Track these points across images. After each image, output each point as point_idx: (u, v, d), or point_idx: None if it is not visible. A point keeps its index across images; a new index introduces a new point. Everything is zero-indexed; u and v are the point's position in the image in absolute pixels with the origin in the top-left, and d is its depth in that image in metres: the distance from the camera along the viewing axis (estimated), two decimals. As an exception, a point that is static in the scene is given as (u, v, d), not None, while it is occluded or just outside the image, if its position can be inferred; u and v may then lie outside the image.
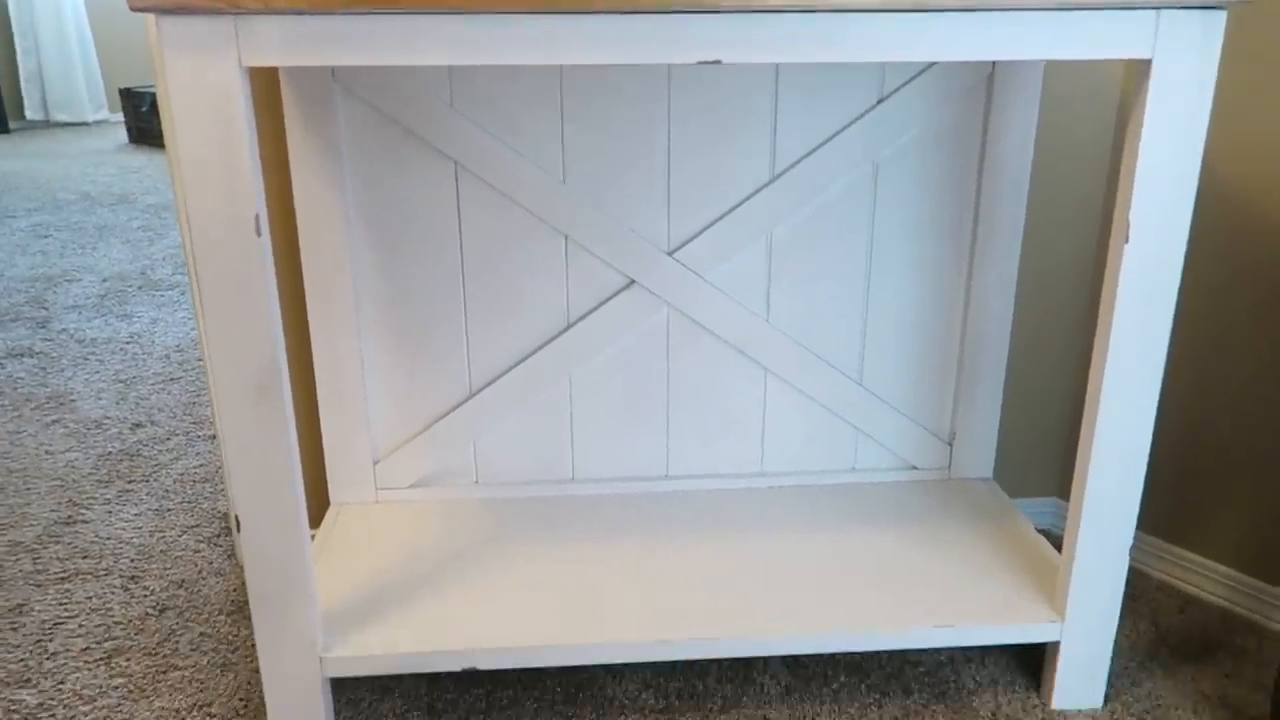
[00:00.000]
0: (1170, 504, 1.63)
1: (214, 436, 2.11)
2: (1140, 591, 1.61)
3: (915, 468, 1.69)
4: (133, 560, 1.66)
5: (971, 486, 1.66)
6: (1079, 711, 1.34)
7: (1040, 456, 1.77)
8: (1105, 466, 1.23)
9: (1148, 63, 1.07)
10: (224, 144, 1.01)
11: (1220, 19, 1.05)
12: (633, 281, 1.53)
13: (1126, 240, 1.14)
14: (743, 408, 1.62)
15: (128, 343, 2.66)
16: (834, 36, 1.03)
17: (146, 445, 2.07)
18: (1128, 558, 1.28)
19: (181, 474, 1.95)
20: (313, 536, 1.62)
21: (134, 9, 0.95)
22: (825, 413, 1.64)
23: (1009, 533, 1.52)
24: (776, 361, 1.59)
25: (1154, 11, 1.05)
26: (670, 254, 1.52)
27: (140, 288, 3.11)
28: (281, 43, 0.99)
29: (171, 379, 2.42)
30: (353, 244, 1.47)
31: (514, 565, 1.43)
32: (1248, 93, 1.41)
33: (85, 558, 1.66)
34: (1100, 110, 1.57)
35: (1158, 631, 1.52)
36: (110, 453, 2.04)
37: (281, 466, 1.13)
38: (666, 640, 1.27)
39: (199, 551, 1.68)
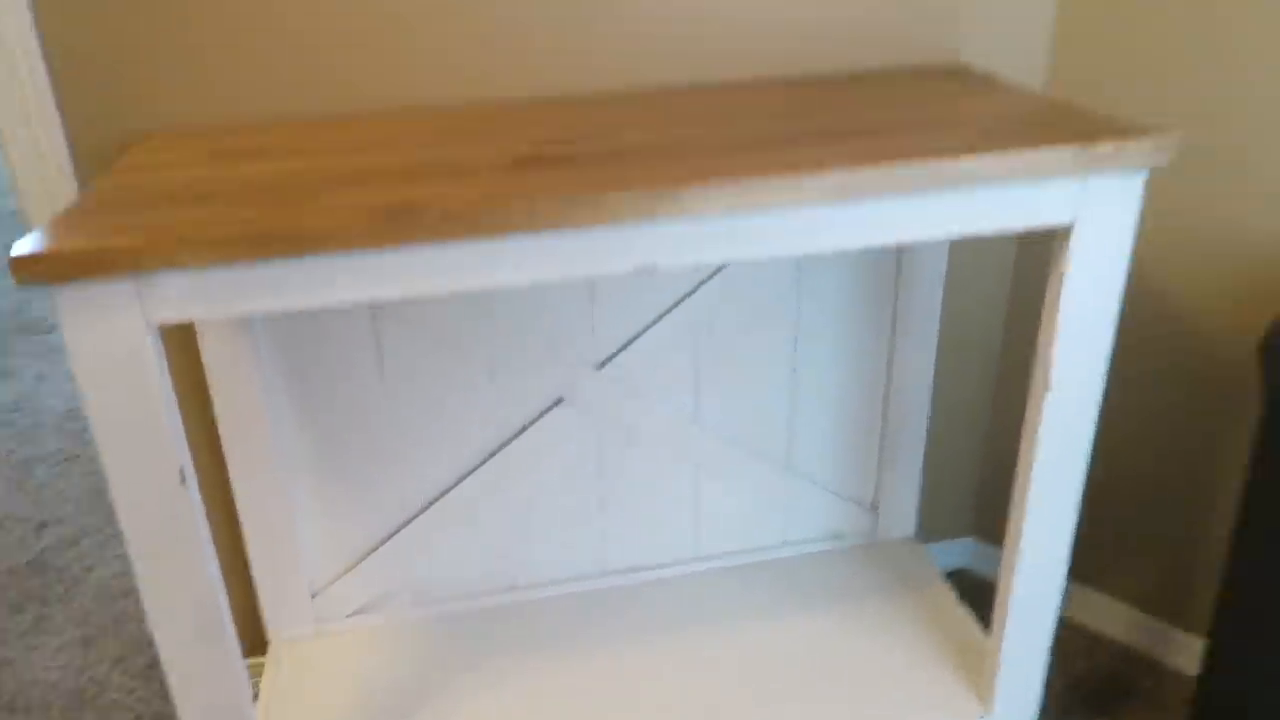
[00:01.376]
0: (1078, 545, 1.74)
1: (127, 532, 2.02)
2: (1054, 636, 1.73)
3: (841, 536, 1.75)
4: (63, 710, 1.60)
5: (895, 549, 1.74)
6: (1009, 788, 1.45)
7: (957, 503, 1.86)
8: (1026, 592, 1.30)
9: (1071, 226, 1.10)
10: (141, 405, 0.94)
11: (1139, 181, 1.07)
12: (561, 399, 1.51)
13: (1048, 389, 1.18)
14: (676, 500, 1.65)
15: (13, 411, 2.50)
16: (756, 233, 1.02)
17: (55, 552, 1.98)
18: (1048, 656, 1.37)
19: (100, 587, 1.88)
20: (252, 677, 1.59)
21: (21, 284, 0.87)
22: (756, 496, 1.68)
23: (932, 605, 1.60)
24: (707, 458, 1.61)
25: (1078, 180, 1.06)
26: (599, 368, 1.51)
27: (16, 332, 2.91)
28: (190, 296, 0.92)
29: (70, 458, 2.30)
30: (266, 379, 1.41)
31: (467, 691, 1.44)
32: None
33: (10, 712, 1.60)
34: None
35: (1068, 679, 1.64)
36: (17, 567, 1.94)
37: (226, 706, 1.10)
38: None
39: (133, 691, 1.63)
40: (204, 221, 0.91)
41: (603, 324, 1.49)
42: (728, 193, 0.96)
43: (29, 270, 0.86)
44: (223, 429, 1.40)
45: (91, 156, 1.28)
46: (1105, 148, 1.01)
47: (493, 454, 1.53)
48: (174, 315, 0.93)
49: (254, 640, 1.60)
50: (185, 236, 0.88)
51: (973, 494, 1.85)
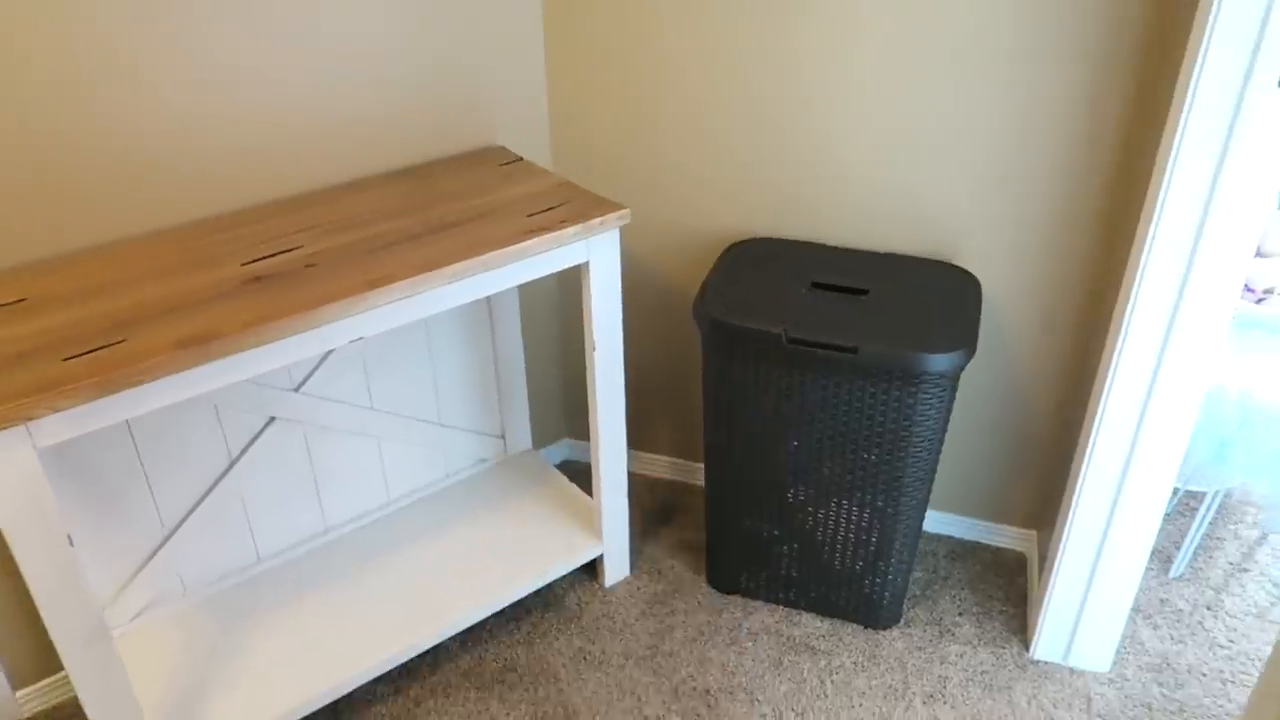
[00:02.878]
0: (635, 427, 2.66)
1: None
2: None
3: (485, 460, 2.51)
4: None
5: (522, 459, 2.54)
6: (617, 582, 2.34)
7: (554, 417, 2.69)
8: (607, 463, 2.15)
9: (587, 263, 1.90)
10: (37, 498, 1.39)
11: (617, 233, 1.90)
12: (274, 418, 2.06)
13: (594, 349, 2.00)
14: (368, 466, 2.28)
15: None
16: (409, 309, 1.68)
17: None
18: (628, 499, 2.25)
19: None
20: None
21: (-55, 448, 1.29)
22: (423, 449, 2.36)
23: (554, 490, 2.43)
24: (384, 431, 2.26)
25: (585, 240, 1.85)
26: (296, 391, 2.08)
27: None
28: (59, 427, 1.39)
29: None
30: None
31: (250, 643, 2.00)
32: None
33: None
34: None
35: (643, 508, 2.57)
36: None
37: None
38: (374, 660, 1.99)
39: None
40: (61, 379, 1.37)
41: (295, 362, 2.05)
42: (393, 291, 1.61)
43: (-47, 438, 1.29)
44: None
45: None
46: (595, 223, 1.81)
47: (231, 466, 2.05)
48: (50, 442, 1.39)
49: (49, 664, 1.98)
50: (58, 395, 1.35)
51: (563, 410, 2.70)
